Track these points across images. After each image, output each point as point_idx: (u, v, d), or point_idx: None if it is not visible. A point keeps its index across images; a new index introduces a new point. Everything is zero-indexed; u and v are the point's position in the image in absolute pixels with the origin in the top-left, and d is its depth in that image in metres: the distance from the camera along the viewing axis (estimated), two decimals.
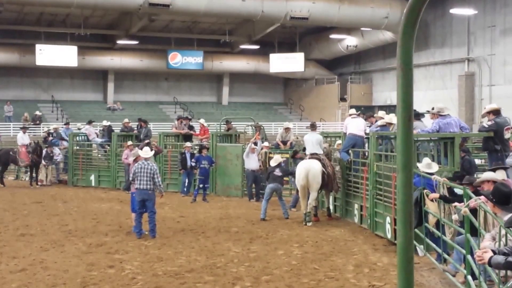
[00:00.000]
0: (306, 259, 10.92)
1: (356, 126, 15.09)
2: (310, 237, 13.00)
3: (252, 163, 19.02)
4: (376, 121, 15.52)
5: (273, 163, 15.81)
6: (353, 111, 16.71)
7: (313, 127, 15.89)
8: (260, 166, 19.05)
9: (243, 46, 45.70)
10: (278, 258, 11.02)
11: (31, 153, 23.86)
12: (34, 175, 24.26)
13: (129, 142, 21.51)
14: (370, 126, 15.32)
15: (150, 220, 12.83)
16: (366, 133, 14.68)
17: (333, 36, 44.11)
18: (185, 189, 20.57)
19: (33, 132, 34.38)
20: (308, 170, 14.40)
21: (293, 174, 15.59)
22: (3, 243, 12.39)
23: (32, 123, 37.25)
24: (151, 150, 13.99)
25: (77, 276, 9.72)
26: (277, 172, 15.55)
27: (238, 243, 12.39)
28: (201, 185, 18.97)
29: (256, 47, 45.69)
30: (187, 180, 20.60)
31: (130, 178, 13.19)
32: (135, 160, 13.60)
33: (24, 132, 25.39)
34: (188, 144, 21.22)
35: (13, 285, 9.15)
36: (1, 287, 9.08)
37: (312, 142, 15.01)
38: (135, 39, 42.87)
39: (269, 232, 13.59)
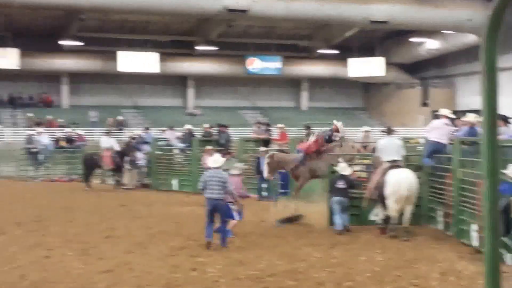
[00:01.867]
0: (389, 266, 10.74)
1: (440, 132, 14.65)
2: (393, 244, 12.78)
3: None
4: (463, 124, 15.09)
5: (340, 170, 14.66)
6: (445, 111, 15.21)
7: (390, 131, 14.79)
8: None
9: (321, 51, 45.57)
10: (360, 264, 10.89)
11: (115, 157, 24.51)
12: (118, 178, 24.90)
13: (209, 147, 21.77)
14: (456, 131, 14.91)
15: (223, 229, 12.42)
16: (451, 140, 14.24)
17: (413, 39, 43.37)
18: (261, 193, 20.75)
19: (116, 137, 35.30)
20: (410, 181, 13.28)
21: (355, 186, 14.75)
22: (90, 244, 12.74)
23: (115, 128, 38.30)
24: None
25: (161, 278, 9.89)
26: (341, 184, 14.41)
27: (319, 248, 12.32)
28: (281, 190, 18.96)
29: (334, 51, 45.46)
30: (263, 185, 20.80)
31: (200, 186, 12.66)
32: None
33: (108, 137, 26.10)
34: (262, 149, 21.27)
35: (100, 285, 9.41)
36: (89, 286, 9.34)
37: (391, 148, 13.98)
38: (214, 45, 43.42)
39: (351, 238, 13.45)
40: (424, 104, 44.85)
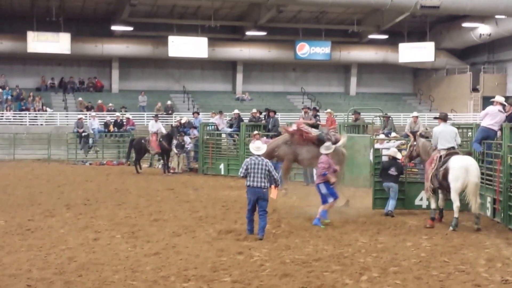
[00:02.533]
0: (435, 252, 10.64)
1: (492, 119, 14.35)
2: (440, 230, 12.64)
3: None
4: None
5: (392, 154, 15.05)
6: (500, 99, 14.89)
7: (445, 118, 14.20)
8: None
9: (371, 36, 45.01)
10: (407, 250, 10.83)
11: (162, 141, 24.75)
12: (165, 162, 25.16)
13: (256, 132, 21.83)
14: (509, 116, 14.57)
15: (262, 218, 11.81)
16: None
17: (465, 24, 42.42)
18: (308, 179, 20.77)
19: (165, 122, 35.70)
20: (476, 167, 12.86)
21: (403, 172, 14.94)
22: (138, 227, 12.92)
23: (164, 113, 38.68)
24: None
25: (207, 261, 9.97)
26: (393, 170, 14.74)
27: (365, 233, 12.28)
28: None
29: (384, 36, 44.85)
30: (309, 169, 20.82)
31: (241, 173, 12.11)
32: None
33: (156, 121, 26.39)
34: None
35: (147, 268, 9.52)
36: (137, 269, 9.46)
37: (447, 135, 13.53)
38: (263, 30, 43.28)
39: (397, 223, 13.35)
40: (475, 90, 43.97)
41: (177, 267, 9.56)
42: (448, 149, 13.39)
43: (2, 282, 8.70)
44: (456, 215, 12.76)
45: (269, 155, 15.73)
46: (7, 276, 9.02)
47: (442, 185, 13.20)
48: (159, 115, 30.09)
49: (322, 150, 13.64)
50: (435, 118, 14.70)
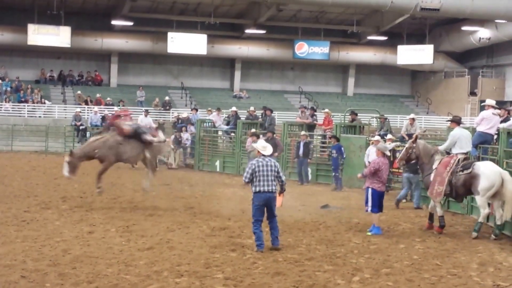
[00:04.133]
0: (428, 254, 10.71)
1: (488, 124, 14.34)
2: (433, 233, 12.70)
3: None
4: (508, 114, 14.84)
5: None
6: (491, 102, 14.71)
7: (459, 121, 13.64)
8: None
9: (370, 37, 45.08)
10: (399, 252, 10.89)
11: None
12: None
13: (253, 130, 21.90)
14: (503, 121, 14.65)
15: (274, 226, 10.76)
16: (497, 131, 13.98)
17: (465, 28, 42.53)
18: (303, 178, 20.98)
19: (163, 117, 35.73)
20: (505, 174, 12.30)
21: None
22: (132, 221, 12.98)
23: (162, 108, 38.69)
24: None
25: (200, 257, 10.03)
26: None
27: (358, 234, 12.34)
28: (333, 174, 19.60)
29: (383, 38, 44.94)
30: (304, 169, 21.21)
31: (246, 178, 10.76)
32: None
33: (145, 116, 26.44)
34: (303, 133, 21.49)
35: (141, 262, 9.59)
36: (130, 263, 9.52)
37: (464, 139, 13.09)
38: (262, 29, 43.33)
39: (391, 225, 13.42)
40: (472, 94, 44.06)
41: (170, 262, 9.61)
42: (465, 153, 13.05)
43: None
44: (481, 219, 12.38)
45: (89, 155, 15.32)
46: (2, 267, 9.10)
47: (457, 191, 12.73)
48: (148, 110, 30.06)
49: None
50: (449, 121, 14.22)
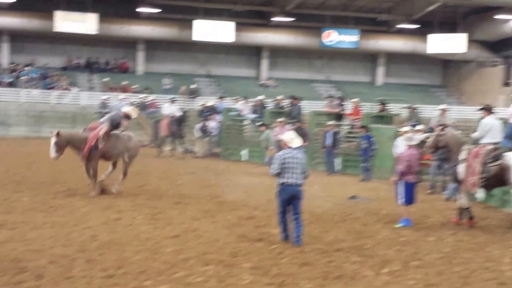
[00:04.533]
0: (459, 248, 10.50)
1: None
2: (465, 226, 12.44)
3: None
4: None
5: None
6: None
7: (490, 110, 13.23)
8: None
9: (400, 26, 44.50)
10: (429, 245, 10.70)
11: (171, 124, 24.70)
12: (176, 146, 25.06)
13: (280, 119, 21.73)
14: None
15: (298, 223, 10.36)
16: None
17: (498, 16, 41.72)
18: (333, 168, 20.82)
19: (190, 106, 35.66)
20: None
21: None
22: (158, 209, 12.95)
23: (188, 97, 38.63)
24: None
25: (227, 246, 9.97)
26: None
27: (387, 226, 12.13)
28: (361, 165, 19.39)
29: (414, 26, 44.28)
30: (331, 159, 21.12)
31: (274, 170, 10.42)
32: None
33: (171, 104, 26.39)
34: (330, 122, 21.30)
35: (167, 250, 9.58)
36: (157, 250, 9.51)
37: (496, 129, 12.77)
38: (290, 16, 43.03)
39: (421, 217, 13.16)
40: (506, 84, 43.22)
41: (197, 251, 9.56)
42: (495, 144, 12.67)
43: (26, 257, 8.84)
44: None
45: (73, 144, 14.69)
46: (31, 252, 9.16)
47: (489, 182, 12.43)
48: (181, 99, 30.04)
49: (408, 141, 12.53)
50: (480, 109, 13.67)
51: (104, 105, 32.69)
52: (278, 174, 10.32)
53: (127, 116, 15.49)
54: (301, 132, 20.92)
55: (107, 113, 30.18)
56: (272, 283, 8.15)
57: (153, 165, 21.70)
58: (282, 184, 10.30)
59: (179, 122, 25.17)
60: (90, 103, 36.92)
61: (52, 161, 15.09)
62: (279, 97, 25.93)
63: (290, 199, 10.30)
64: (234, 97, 29.87)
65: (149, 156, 24.62)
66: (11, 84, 38.06)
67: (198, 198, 14.70)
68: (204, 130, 25.77)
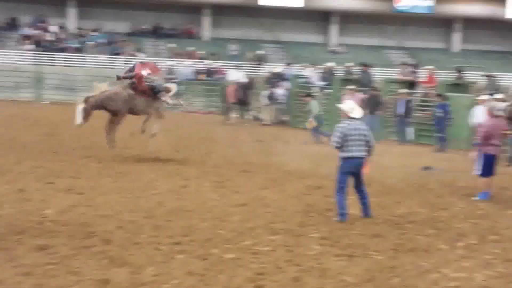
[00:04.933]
0: None
1: None
2: None
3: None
4: None
5: None
6: None
7: None
8: None
9: None
10: (508, 218, 10.22)
11: (238, 91, 24.50)
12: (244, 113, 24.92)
13: (350, 87, 21.22)
14: None
15: (364, 195, 9.89)
16: None
17: None
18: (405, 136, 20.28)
19: (256, 72, 35.37)
20: None
21: None
22: (226, 177, 12.83)
23: (255, 63, 38.31)
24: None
25: (295, 215, 9.77)
26: None
27: (463, 198, 11.63)
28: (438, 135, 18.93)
29: None
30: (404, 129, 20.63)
31: (335, 143, 9.69)
32: None
33: (236, 70, 26.13)
34: (402, 91, 20.69)
35: (234, 218, 9.44)
36: (224, 218, 9.40)
37: None
38: None
39: (500, 190, 12.55)
40: None
41: (265, 220, 9.40)
42: None
43: (94, 222, 8.91)
44: None
45: (101, 105, 14.86)
46: (99, 216, 9.22)
47: None
48: (240, 65, 29.78)
49: (494, 111, 11.83)
50: None
51: (170, 71, 32.85)
52: (340, 147, 9.67)
53: (168, 90, 15.57)
54: (374, 101, 20.50)
55: (174, 79, 30.47)
56: (342, 254, 7.92)
57: (220, 132, 21.62)
58: (347, 158, 9.63)
59: (246, 89, 24.96)
60: None
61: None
62: (348, 64, 25.35)
63: (352, 173, 9.73)
64: (302, 64, 29.41)
65: (215, 123, 24.61)
66: (78, 50, 38.51)
67: (266, 166, 14.48)
68: (271, 98, 25.48)
